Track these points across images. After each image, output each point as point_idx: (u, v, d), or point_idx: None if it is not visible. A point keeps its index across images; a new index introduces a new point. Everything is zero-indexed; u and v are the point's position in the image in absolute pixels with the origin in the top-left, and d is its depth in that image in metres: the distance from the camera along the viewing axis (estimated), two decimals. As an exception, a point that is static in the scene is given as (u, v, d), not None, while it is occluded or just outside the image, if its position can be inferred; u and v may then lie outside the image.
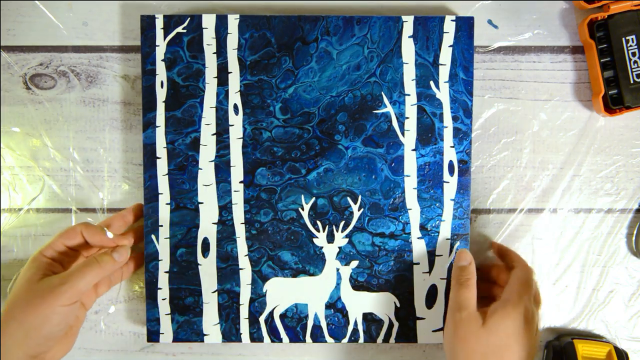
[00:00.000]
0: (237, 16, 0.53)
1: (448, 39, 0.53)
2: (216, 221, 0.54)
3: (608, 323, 0.60)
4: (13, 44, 0.59)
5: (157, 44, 0.53)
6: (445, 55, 0.53)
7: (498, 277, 0.55)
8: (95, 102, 0.59)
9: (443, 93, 0.54)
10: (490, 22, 0.59)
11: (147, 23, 0.53)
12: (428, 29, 0.53)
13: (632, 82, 0.56)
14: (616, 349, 0.57)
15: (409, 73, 0.54)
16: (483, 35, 0.58)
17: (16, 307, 0.47)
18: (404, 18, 0.53)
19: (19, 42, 0.59)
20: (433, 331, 0.55)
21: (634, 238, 0.59)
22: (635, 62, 0.56)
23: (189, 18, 0.53)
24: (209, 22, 0.53)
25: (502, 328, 0.47)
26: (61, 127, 0.59)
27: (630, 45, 0.56)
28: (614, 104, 0.57)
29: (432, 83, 0.54)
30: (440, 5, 0.58)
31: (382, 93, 0.54)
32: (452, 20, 0.53)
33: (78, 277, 0.47)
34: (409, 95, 0.54)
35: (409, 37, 0.53)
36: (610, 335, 0.60)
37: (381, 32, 0.53)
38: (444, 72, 0.54)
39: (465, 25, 0.53)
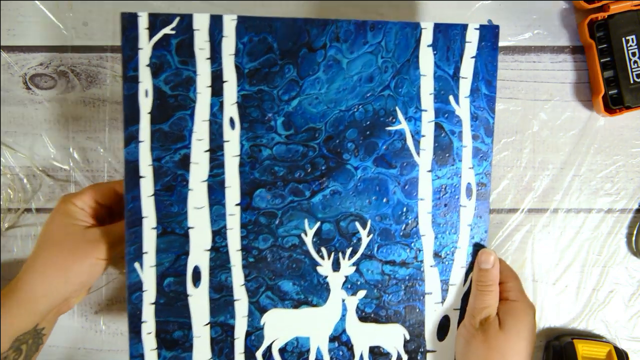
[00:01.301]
0: (235, 17, 0.49)
1: (470, 49, 0.51)
2: (209, 248, 0.51)
3: (608, 323, 0.63)
4: (13, 44, 0.61)
5: (140, 46, 0.49)
6: (467, 68, 0.51)
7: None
8: (95, 102, 0.61)
9: (463, 109, 0.51)
10: (490, 22, 0.60)
11: (129, 22, 0.48)
12: (449, 37, 0.50)
13: (632, 82, 0.58)
14: (616, 349, 0.59)
15: (427, 86, 0.51)
16: (483, 35, 0.59)
17: (56, 253, 0.51)
18: (422, 25, 0.50)
19: (19, 42, 0.61)
20: (444, 364, 0.54)
21: (634, 238, 0.62)
22: (635, 62, 0.58)
23: (178, 17, 0.49)
24: (201, 23, 0.49)
25: (520, 329, 0.49)
26: (61, 127, 0.62)
27: (630, 45, 0.58)
28: (614, 104, 0.59)
29: (451, 98, 0.51)
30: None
31: (397, 108, 0.51)
32: (476, 29, 0.50)
33: (116, 234, 0.53)
34: (425, 111, 0.51)
35: (427, 46, 0.50)
36: (610, 335, 0.63)
37: (397, 39, 0.50)
38: (464, 86, 0.51)
39: (489, 35, 0.51)
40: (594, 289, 0.63)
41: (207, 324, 0.52)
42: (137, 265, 0.51)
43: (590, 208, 0.62)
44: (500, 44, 0.60)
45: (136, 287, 0.51)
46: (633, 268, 0.63)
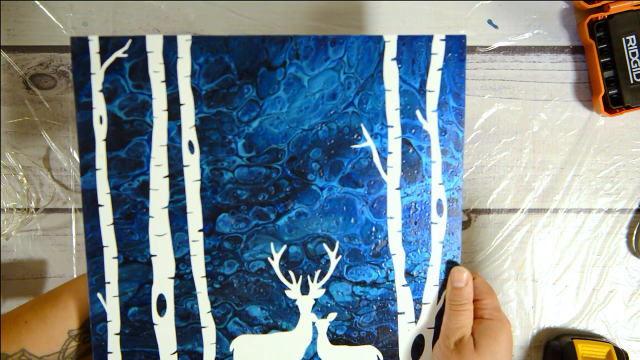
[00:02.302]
0: (189, 37, 0.49)
1: (437, 61, 0.50)
2: (173, 275, 0.51)
3: (608, 323, 0.64)
4: (13, 44, 0.63)
5: (92, 71, 0.48)
6: (434, 81, 0.50)
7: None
8: (95, 102, 0.64)
9: (431, 124, 0.51)
10: (490, 22, 0.62)
11: (79, 47, 0.48)
12: (414, 50, 0.50)
13: (632, 82, 0.60)
14: (616, 349, 0.61)
15: (392, 101, 0.51)
16: (483, 35, 0.60)
17: None
18: (385, 38, 0.50)
19: (19, 42, 0.63)
20: (420, 384, 0.55)
21: (634, 238, 0.64)
22: (635, 62, 0.60)
23: (130, 40, 0.48)
24: (154, 44, 0.48)
25: (495, 349, 0.50)
26: (61, 127, 0.64)
27: (630, 45, 0.60)
28: (614, 104, 0.61)
29: (418, 112, 0.51)
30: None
31: (362, 125, 0.51)
32: (442, 40, 0.50)
33: None
34: (392, 127, 0.51)
35: (391, 59, 0.50)
36: (610, 335, 0.64)
37: (359, 54, 0.50)
38: (431, 100, 0.51)
39: (456, 45, 0.50)
40: (594, 289, 0.65)
41: (174, 353, 0.52)
42: (99, 295, 0.51)
43: (590, 208, 0.64)
44: (500, 44, 0.62)
45: (100, 317, 0.51)
46: (633, 268, 0.64)
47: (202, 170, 0.50)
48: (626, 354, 0.61)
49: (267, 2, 0.61)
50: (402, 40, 0.50)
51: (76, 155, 0.64)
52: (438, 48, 0.50)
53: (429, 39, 0.50)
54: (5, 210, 0.65)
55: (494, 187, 0.63)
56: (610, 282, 0.65)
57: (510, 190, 0.64)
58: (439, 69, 0.50)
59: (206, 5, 0.62)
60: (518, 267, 0.64)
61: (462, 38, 0.50)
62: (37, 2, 0.63)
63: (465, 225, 0.65)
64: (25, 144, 0.64)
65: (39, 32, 0.63)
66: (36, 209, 0.65)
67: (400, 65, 0.50)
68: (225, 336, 0.52)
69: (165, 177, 0.50)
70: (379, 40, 0.50)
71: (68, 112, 0.64)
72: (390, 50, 0.50)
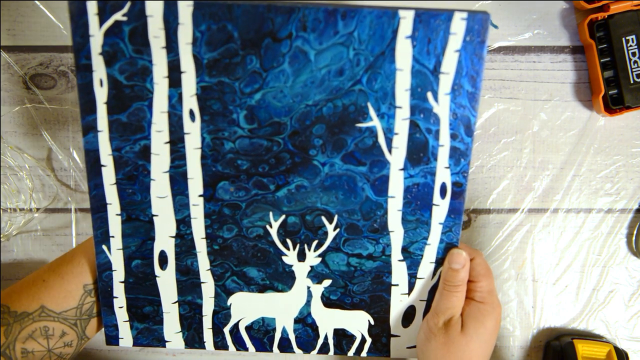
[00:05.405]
0: (191, 3, 0.48)
1: (455, 41, 0.48)
2: (174, 235, 0.55)
3: (608, 323, 0.68)
4: (13, 44, 0.65)
5: (91, 33, 0.49)
6: (450, 62, 0.49)
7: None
8: (95, 101, 0.66)
9: (442, 107, 0.50)
10: (490, 22, 0.61)
11: (77, 7, 0.48)
12: (431, 28, 0.48)
13: (632, 82, 0.62)
14: (616, 349, 0.64)
15: (403, 82, 0.50)
16: (483, 35, 0.61)
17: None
18: (401, 13, 0.48)
19: (19, 42, 0.65)
20: (407, 348, 0.59)
21: (634, 238, 0.66)
22: (635, 62, 0.61)
23: (129, 3, 0.48)
24: (154, 8, 0.48)
25: (481, 333, 0.53)
26: (61, 127, 0.66)
27: (630, 45, 0.61)
28: (614, 104, 0.62)
29: (430, 95, 0.50)
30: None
31: (369, 104, 0.51)
32: (463, 19, 0.48)
33: None
34: (400, 107, 0.51)
35: (406, 37, 0.48)
36: (610, 335, 0.68)
37: (371, 29, 0.48)
38: (445, 82, 0.50)
39: (478, 25, 0.48)
40: (594, 289, 0.67)
41: (175, 302, 0.58)
42: (104, 247, 0.55)
43: (590, 208, 0.66)
44: (500, 44, 0.64)
45: (105, 267, 0.56)
46: (633, 268, 0.66)
47: (203, 138, 0.52)
48: (626, 354, 0.63)
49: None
50: (419, 17, 0.48)
51: (76, 156, 0.67)
52: (457, 27, 0.48)
53: (449, 17, 0.48)
54: (9, 210, 0.68)
55: (494, 187, 0.65)
56: (610, 282, 0.67)
57: (510, 190, 0.66)
58: (457, 50, 0.49)
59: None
60: (518, 267, 0.67)
61: (486, 17, 0.48)
62: (37, 2, 0.64)
63: (465, 225, 0.67)
64: (25, 144, 0.67)
65: (39, 32, 0.65)
66: (37, 209, 0.68)
67: (414, 44, 0.48)
68: (223, 292, 0.57)
69: (166, 143, 0.52)
70: (393, 16, 0.48)
71: (68, 112, 0.66)
72: (405, 27, 0.48)
